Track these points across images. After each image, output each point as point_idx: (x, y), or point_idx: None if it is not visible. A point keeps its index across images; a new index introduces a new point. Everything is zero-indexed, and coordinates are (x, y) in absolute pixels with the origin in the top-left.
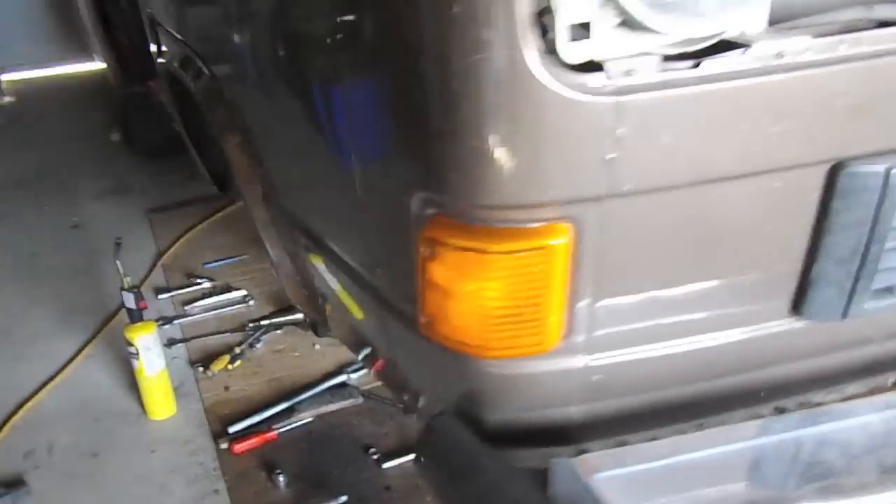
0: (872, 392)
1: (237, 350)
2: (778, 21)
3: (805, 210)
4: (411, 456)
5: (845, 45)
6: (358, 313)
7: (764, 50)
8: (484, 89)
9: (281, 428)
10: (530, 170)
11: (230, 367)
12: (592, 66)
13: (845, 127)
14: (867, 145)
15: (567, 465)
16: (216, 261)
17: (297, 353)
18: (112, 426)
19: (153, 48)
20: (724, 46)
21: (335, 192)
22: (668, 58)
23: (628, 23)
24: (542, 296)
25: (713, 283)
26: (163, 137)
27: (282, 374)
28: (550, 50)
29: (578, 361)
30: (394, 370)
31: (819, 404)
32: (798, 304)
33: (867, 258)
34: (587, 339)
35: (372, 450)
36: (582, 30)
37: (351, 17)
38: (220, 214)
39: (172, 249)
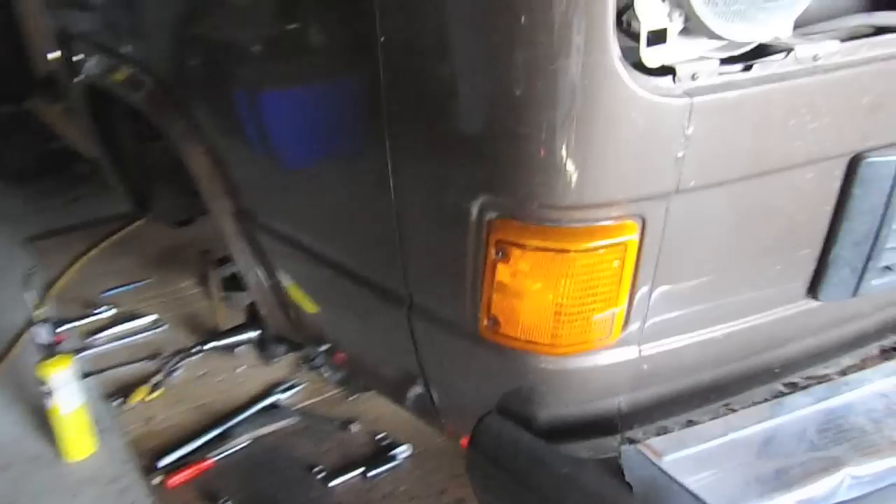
0: (865, 362)
1: (155, 379)
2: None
3: (828, 198)
4: (358, 471)
5: (865, 48)
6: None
7: (804, 53)
8: (569, 93)
9: (217, 455)
10: (609, 170)
11: (150, 397)
12: (658, 71)
13: (867, 121)
14: (884, 137)
15: (636, 452)
16: (116, 288)
17: (220, 378)
18: (24, 472)
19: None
20: (755, 53)
21: (351, 201)
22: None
23: (690, 29)
24: (614, 290)
25: (749, 270)
26: (37, 160)
27: (207, 401)
28: (625, 55)
29: (632, 352)
30: (385, 371)
31: (823, 376)
32: (815, 286)
33: (878, 239)
34: (640, 330)
35: (316, 468)
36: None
37: (408, 16)
38: (114, 238)
39: (64, 278)
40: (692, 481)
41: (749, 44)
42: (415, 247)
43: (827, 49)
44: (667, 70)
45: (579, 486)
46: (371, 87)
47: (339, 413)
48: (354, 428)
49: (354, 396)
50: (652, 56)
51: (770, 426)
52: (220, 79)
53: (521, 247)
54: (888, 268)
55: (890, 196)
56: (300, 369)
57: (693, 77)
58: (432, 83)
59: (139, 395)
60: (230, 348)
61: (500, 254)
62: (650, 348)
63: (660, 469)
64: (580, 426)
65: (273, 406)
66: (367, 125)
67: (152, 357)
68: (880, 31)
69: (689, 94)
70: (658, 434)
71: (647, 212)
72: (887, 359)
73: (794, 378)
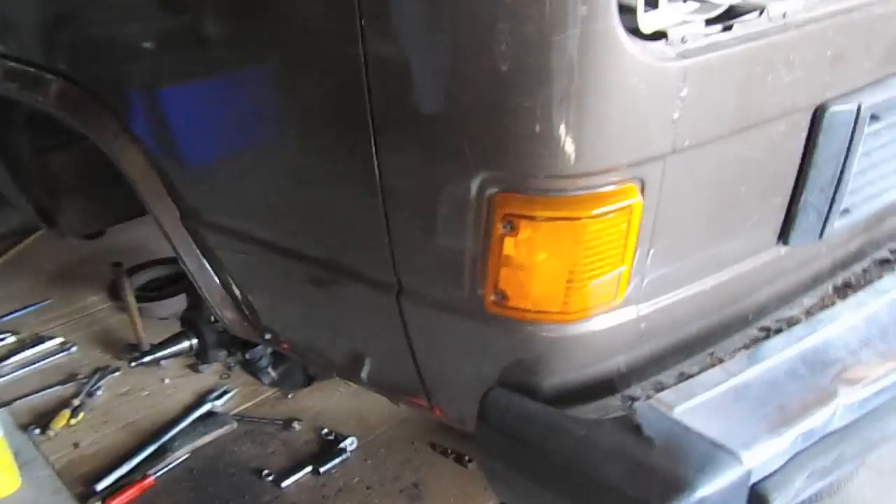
0: (823, 300)
1: (75, 402)
2: None
3: (797, 148)
4: (308, 469)
5: (825, 3)
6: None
7: (774, 11)
8: (574, 62)
9: (157, 472)
10: (613, 136)
11: (72, 421)
12: (647, 37)
13: (829, 73)
14: (843, 87)
15: (649, 407)
16: (11, 312)
17: (146, 392)
18: None
19: None
20: (728, 14)
21: (330, 190)
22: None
23: None
24: (620, 254)
25: (731, 222)
26: None
27: (137, 417)
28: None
29: (631, 312)
30: (358, 358)
31: (791, 318)
32: (785, 232)
33: (840, 183)
34: (638, 290)
35: (265, 472)
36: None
37: None
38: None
39: None
40: (706, 428)
41: (723, 5)
42: (404, 231)
43: (793, 6)
44: (654, 36)
45: (601, 447)
46: (351, 69)
47: (279, 413)
48: (297, 426)
49: (291, 395)
50: (648, 21)
51: (764, 367)
52: (170, 71)
53: (531, 219)
54: (847, 210)
55: (849, 141)
56: (230, 374)
57: (682, 40)
58: (422, 63)
59: (61, 421)
60: (157, 361)
61: (508, 227)
62: (647, 307)
63: (675, 421)
64: (582, 390)
65: (209, 414)
66: (347, 110)
67: (66, 381)
68: None
69: (682, 56)
70: (655, 389)
71: (646, 174)
72: (841, 296)
73: (766, 322)
